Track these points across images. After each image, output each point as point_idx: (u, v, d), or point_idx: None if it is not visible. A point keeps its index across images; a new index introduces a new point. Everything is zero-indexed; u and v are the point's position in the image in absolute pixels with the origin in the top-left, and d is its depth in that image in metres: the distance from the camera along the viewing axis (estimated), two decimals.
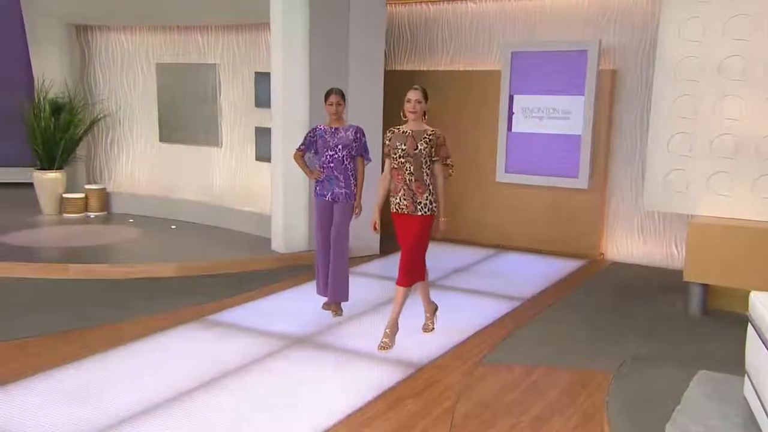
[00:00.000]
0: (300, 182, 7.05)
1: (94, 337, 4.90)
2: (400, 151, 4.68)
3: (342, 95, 5.43)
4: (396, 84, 8.47)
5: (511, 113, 8.09)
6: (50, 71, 9.15)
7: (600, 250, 7.87)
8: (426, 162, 4.68)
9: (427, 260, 5.01)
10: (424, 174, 4.69)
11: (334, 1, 7.12)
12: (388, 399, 3.99)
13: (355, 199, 5.45)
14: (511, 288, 6.48)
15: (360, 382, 4.22)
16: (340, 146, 5.40)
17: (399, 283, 4.79)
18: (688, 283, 5.77)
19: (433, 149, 4.70)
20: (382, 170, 5.02)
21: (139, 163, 9.50)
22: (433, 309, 5.21)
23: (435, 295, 6.14)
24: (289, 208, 7.21)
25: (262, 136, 7.95)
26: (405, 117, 4.80)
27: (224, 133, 8.76)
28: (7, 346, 4.68)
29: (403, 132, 4.75)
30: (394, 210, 4.80)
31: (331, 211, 5.48)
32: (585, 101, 7.62)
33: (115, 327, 5.12)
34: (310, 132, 5.58)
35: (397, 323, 4.85)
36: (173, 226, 8.56)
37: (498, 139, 8.19)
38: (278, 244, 7.28)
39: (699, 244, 5.60)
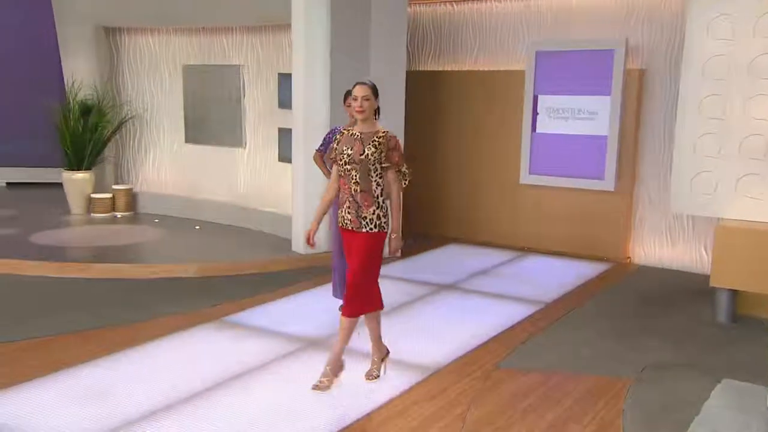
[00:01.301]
0: (320, 183, 7.01)
1: (112, 336, 4.95)
2: (345, 156, 3.97)
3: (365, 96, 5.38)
4: (419, 85, 8.47)
5: (535, 114, 7.97)
6: (80, 73, 9.32)
7: (626, 254, 7.70)
8: (375, 170, 3.97)
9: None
10: (373, 184, 3.98)
11: (356, 3, 7.10)
12: (401, 403, 3.94)
13: None
14: (532, 291, 6.37)
15: (373, 386, 4.18)
16: None
17: (342, 311, 4.11)
18: (715, 289, 5.60)
19: (383, 154, 3.97)
20: None
21: (165, 164, 9.61)
22: (382, 353, 4.33)
23: (453, 298, 6.10)
24: (309, 210, 7.18)
25: (285, 137, 7.97)
26: (352, 117, 4.35)
27: (248, 134, 8.80)
28: (26, 345, 4.75)
29: (352, 134, 4.04)
30: (340, 224, 4.14)
31: None
32: (611, 101, 7.47)
33: (133, 327, 5.16)
34: (328, 133, 5.57)
35: (341, 359, 4.15)
36: (197, 227, 8.63)
37: (522, 140, 8.08)
38: (298, 246, 7.29)
39: (726, 248, 5.43)
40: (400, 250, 4.27)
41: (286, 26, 7.79)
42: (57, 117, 9.08)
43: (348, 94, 5.40)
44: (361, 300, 4.05)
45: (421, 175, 8.74)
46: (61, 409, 3.77)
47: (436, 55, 8.79)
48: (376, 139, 3.98)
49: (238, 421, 3.67)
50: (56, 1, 9.51)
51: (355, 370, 4.37)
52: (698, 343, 5.06)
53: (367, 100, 3.98)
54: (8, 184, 11.70)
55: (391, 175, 4.03)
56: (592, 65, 7.55)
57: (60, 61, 9.57)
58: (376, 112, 4.08)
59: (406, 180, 4.09)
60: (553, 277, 6.98)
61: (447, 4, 8.61)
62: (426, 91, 8.56)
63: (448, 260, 7.59)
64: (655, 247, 7.59)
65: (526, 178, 8.11)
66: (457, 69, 8.62)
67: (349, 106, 5.36)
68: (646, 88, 7.47)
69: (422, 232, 8.65)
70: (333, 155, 4.07)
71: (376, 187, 4.00)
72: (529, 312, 5.76)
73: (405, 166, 4.08)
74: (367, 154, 3.94)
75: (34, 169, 11.56)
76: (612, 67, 7.42)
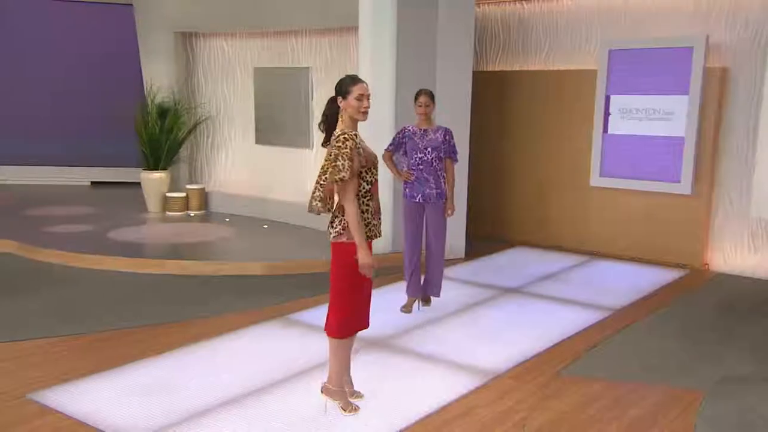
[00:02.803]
0: (383, 184, 7.00)
1: (180, 331, 5.11)
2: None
3: (431, 96, 5.40)
4: (487, 86, 8.36)
5: (607, 114, 7.72)
6: (158, 77, 9.70)
7: (704, 261, 7.34)
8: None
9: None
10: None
11: (422, 4, 7.07)
12: (459, 407, 3.89)
13: (445, 198, 5.45)
14: (601, 297, 6.17)
15: (432, 388, 4.14)
16: (429, 148, 5.38)
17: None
18: None
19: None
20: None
21: (236, 164, 9.86)
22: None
23: (518, 302, 5.98)
24: None
25: None
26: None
27: (316, 136, 8.92)
28: (96, 338, 4.96)
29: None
30: (373, 236, 3.70)
31: (422, 212, 5.54)
32: (689, 101, 7.14)
33: (200, 322, 5.31)
34: (399, 132, 5.58)
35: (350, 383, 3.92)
36: (265, 226, 8.81)
37: (593, 142, 7.84)
38: None
39: None
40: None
41: (353, 28, 7.84)
42: (136, 119, 9.48)
43: (419, 94, 5.43)
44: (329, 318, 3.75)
45: (487, 177, 8.63)
46: (130, 401, 3.91)
47: (504, 55, 8.65)
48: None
49: (299, 419, 3.71)
50: (138, 9, 9.95)
51: (428, 374, 4.36)
52: None
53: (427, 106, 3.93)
54: (92, 183, 12.30)
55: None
56: (669, 64, 7.24)
57: (140, 66, 9.99)
58: (336, 114, 3.60)
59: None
60: (624, 283, 6.73)
61: (517, 3, 8.46)
62: (493, 92, 8.43)
63: (513, 263, 7.45)
64: (736, 254, 7.20)
65: (596, 180, 7.86)
66: (526, 69, 8.45)
67: (420, 105, 5.39)
68: (728, 87, 7.10)
69: (488, 235, 8.53)
70: (365, 163, 3.58)
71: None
72: (597, 318, 5.57)
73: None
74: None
75: (116, 169, 12.12)
76: (691, 65, 7.09)
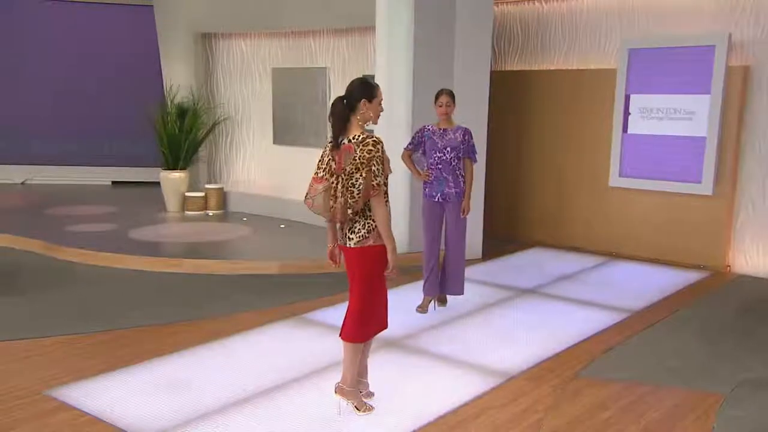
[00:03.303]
0: (399, 183, 7.04)
1: (195, 329, 5.14)
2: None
3: (452, 96, 5.39)
4: (505, 85, 8.31)
5: (627, 114, 7.63)
6: (177, 77, 9.79)
7: (726, 262, 7.23)
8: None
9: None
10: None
11: (440, 3, 7.05)
12: (474, 407, 3.86)
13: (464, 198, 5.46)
14: (620, 299, 6.09)
15: (445, 389, 4.12)
16: (448, 148, 5.37)
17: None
18: None
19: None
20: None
21: (254, 164, 9.92)
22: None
23: (535, 303, 5.94)
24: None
25: None
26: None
27: None
28: (115, 335, 5.01)
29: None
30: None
31: (441, 211, 5.53)
32: (711, 100, 7.03)
33: (214, 321, 5.34)
34: (418, 132, 5.57)
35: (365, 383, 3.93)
36: (282, 225, 8.84)
37: (612, 141, 7.75)
38: None
39: None
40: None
41: (371, 28, 7.85)
42: (156, 119, 9.57)
43: (439, 94, 5.42)
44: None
45: (505, 176, 8.57)
46: (143, 399, 3.94)
47: (523, 54, 8.59)
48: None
49: (310, 419, 3.71)
50: (158, 10, 10.04)
51: (443, 374, 4.34)
52: None
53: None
54: (113, 183, 12.44)
55: None
56: (690, 62, 7.13)
57: (160, 66, 10.08)
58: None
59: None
60: (643, 284, 6.64)
61: (535, 2, 8.40)
62: (512, 92, 8.38)
63: (531, 264, 7.39)
64: (760, 256, 7.08)
65: (616, 180, 7.78)
66: (544, 68, 8.39)
67: (441, 105, 5.38)
68: (751, 86, 6.98)
69: (505, 235, 8.48)
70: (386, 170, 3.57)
71: None
72: (615, 320, 5.51)
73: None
74: None
75: (137, 169, 12.25)
76: (712, 64, 6.98)
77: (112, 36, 12.16)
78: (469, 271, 6.85)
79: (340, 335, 3.73)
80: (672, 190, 7.38)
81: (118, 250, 7.16)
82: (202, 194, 9.66)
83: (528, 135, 8.47)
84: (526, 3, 8.48)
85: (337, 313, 5.51)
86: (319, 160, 3.62)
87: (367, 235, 3.53)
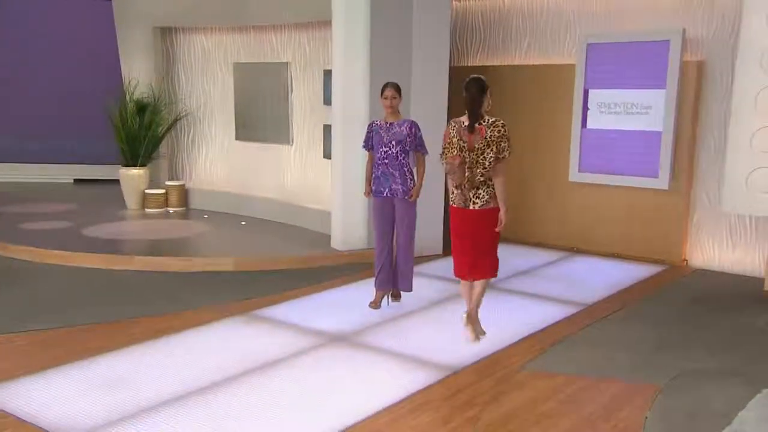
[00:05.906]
0: (359, 180, 6.97)
1: (142, 326, 5.03)
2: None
3: (398, 89, 5.32)
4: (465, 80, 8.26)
5: (585, 109, 7.64)
6: (137, 72, 9.63)
7: (683, 256, 7.27)
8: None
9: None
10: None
11: None
12: (410, 403, 3.81)
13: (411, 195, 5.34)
14: (575, 293, 6.10)
15: (386, 384, 4.07)
16: (393, 142, 5.30)
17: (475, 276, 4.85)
18: None
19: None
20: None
21: (216, 161, 9.79)
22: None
23: (489, 298, 5.88)
24: (348, 206, 7.15)
25: (330, 134, 7.95)
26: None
27: (295, 131, 8.85)
28: (56, 334, 4.88)
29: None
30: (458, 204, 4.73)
31: (390, 206, 5.46)
32: (666, 95, 7.07)
33: (163, 318, 5.24)
34: (368, 128, 5.51)
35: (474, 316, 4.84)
36: (242, 222, 8.74)
37: (571, 137, 7.76)
38: (337, 242, 7.25)
39: None
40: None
41: (330, 22, 7.77)
42: (114, 115, 9.40)
43: (384, 87, 5.32)
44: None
45: None
46: (79, 397, 3.84)
47: (483, 49, 8.58)
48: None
49: (245, 415, 3.64)
50: (117, 4, 9.87)
51: (386, 369, 4.29)
52: (746, 351, 4.69)
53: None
54: (75, 180, 12.23)
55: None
56: (646, 57, 7.16)
57: (119, 62, 9.90)
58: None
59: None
60: (601, 278, 6.66)
61: None
62: None
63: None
64: (715, 250, 7.13)
65: (575, 176, 7.79)
66: (506, 64, 8.37)
67: (386, 98, 5.29)
68: (705, 80, 7.03)
69: None
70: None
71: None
72: (568, 313, 5.51)
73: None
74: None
75: (99, 167, 12.04)
76: (668, 59, 7.02)
77: (69, 30, 11.93)
78: (428, 267, 6.86)
79: (481, 277, 4.70)
80: (630, 184, 7.41)
81: (70, 248, 7.01)
82: (162, 191, 9.53)
83: None
84: None
85: (288, 309, 5.48)
86: (448, 142, 4.56)
87: (489, 200, 4.52)
